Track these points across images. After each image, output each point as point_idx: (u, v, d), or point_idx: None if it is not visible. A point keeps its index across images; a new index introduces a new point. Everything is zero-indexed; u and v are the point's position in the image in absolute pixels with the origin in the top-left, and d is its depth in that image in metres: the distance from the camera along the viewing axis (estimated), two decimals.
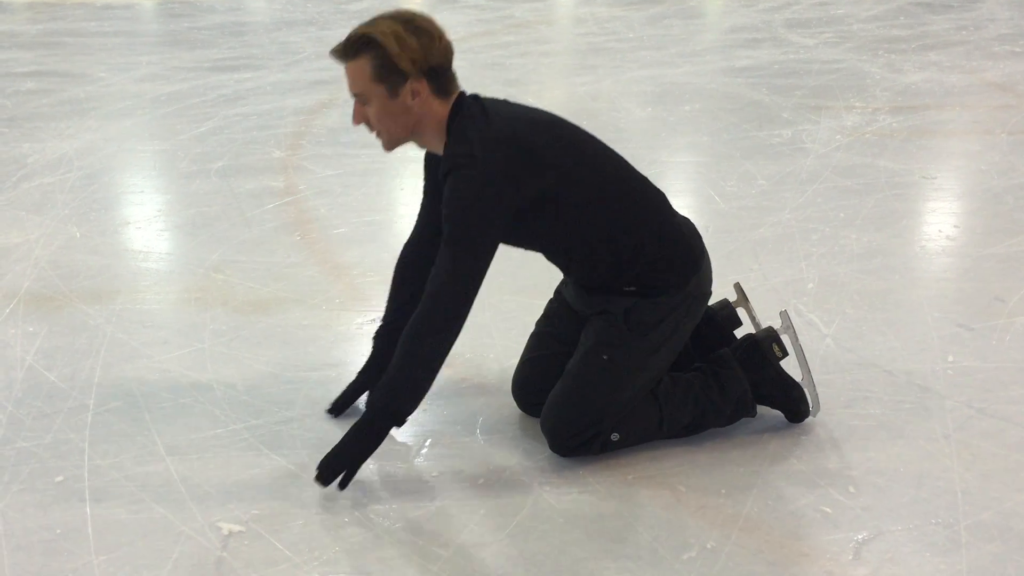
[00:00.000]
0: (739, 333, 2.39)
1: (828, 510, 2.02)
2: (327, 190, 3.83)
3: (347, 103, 4.87)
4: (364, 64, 1.99)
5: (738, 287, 2.41)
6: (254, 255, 3.25)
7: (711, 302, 2.39)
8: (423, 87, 2.01)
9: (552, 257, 2.23)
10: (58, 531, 1.96)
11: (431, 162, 2.23)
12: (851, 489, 2.08)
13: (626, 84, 5.45)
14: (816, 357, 2.60)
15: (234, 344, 2.69)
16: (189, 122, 4.72)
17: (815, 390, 2.30)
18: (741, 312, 2.40)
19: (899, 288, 3.01)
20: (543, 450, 2.22)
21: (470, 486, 2.09)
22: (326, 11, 7.67)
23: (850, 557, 1.89)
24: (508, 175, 1.98)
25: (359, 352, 2.66)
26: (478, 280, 1.99)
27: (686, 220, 2.23)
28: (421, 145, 2.12)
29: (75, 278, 3.09)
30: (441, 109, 2.04)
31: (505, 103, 2.12)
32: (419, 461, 2.19)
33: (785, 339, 2.30)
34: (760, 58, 6.03)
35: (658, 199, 2.19)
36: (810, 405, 2.31)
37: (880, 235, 3.38)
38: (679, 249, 2.17)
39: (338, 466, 2.03)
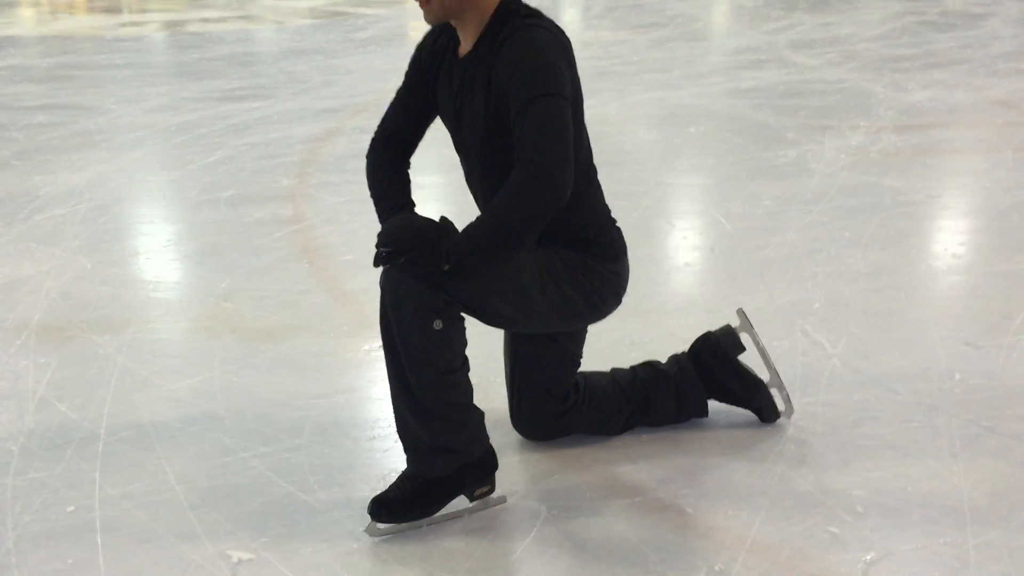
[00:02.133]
0: (743, 359, 2.40)
1: (835, 530, 2.02)
2: (334, 218, 3.86)
3: (353, 131, 4.88)
4: None
5: (741, 312, 2.42)
6: (263, 283, 3.28)
7: (714, 328, 2.41)
8: None
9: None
10: (69, 561, 1.98)
11: (428, 50, 2.13)
12: (858, 509, 2.08)
13: (631, 107, 5.49)
14: (822, 377, 2.61)
15: (243, 372, 2.71)
16: (198, 152, 4.76)
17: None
18: (746, 339, 2.41)
19: (905, 307, 3.01)
20: (549, 474, 2.23)
21: (478, 511, 2.10)
22: (333, 40, 7.74)
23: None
24: (565, 57, 1.95)
25: (367, 378, 2.69)
26: (571, 131, 1.86)
27: (619, 230, 2.23)
28: (458, 24, 2.02)
29: (86, 309, 3.12)
30: None
31: (552, 23, 2.04)
32: None
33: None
34: (764, 79, 6.06)
35: (600, 197, 2.19)
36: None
37: (886, 254, 3.39)
38: (616, 228, 2.20)
39: (391, 240, 1.84)
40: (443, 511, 2.08)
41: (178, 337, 2.96)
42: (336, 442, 2.37)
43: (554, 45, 1.91)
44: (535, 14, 1.99)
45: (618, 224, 2.22)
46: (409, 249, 1.83)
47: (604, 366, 2.42)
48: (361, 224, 3.75)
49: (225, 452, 2.34)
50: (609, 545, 2.00)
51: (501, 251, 1.86)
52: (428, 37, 2.16)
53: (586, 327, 2.28)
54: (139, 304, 3.18)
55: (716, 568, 1.92)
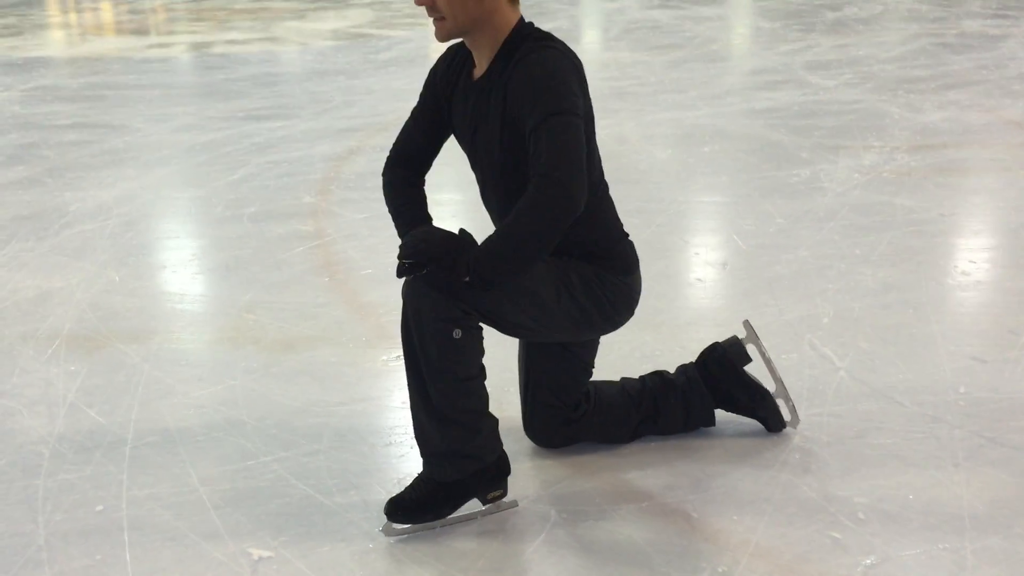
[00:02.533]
0: (750, 370, 2.46)
1: (837, 535, 2.07)
2: (354, 233, 3.96)
3: (374, 149, 4.98)
4: None
5: (747, 324, 2.49)
6: (284, 296, 3.37)
7: (722, 339, 2.48)
8: None
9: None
10: (98, 557, 2.06)
11: (442, 72, 2.21)
12: (860, 516, 2.14)
13: (648, 126, 5.57)
14: (829, 389, 2.67)
15: (265, 381, 2.80)
16: (223, 170, 4.88)
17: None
18: (752, 350, 2.47)
19: (913, 322, 3.06)
20: (560, 480, 2.30)
21: (490, 514, 2.17)
22: (355, 61, 7.88)
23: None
24: (577, 78, 2.02)
25: (384, 388, 2.77)
26: (584, 148, 1.92)
27: (632, 244, 2.30)
28: (472, 45, 2.10)
29: (114, 320, 3.22)
30: (509, 15, 2.05)
31: (565, 45, 2.11)
32: None
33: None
34: (780, 99, 6.13)
35: (613, 212, 2.26)
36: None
37: (895, 271, 3.44)
38: (628, 242, 2.27)
39: (412, 253, 1.93)
40: (456, 513, 2.15)
41: (202, 347, 3.06)
42: (354, 448, 2.45)
43: (566, 66, 1.99)
44: (548, 36, 2.07)
45: (630, 238, 2.29)
46: (430, 261, 1.91)
47: (615, 377, 2.49)
48: (380, 240, 3.84)
49: (247, 456, 2.42)
50: (616, 548, 2.06)
51: (519, 263, 1.93)
52: (443, 60, 2.25)
53: (599, 337, 2.35)
54: (165, 315, 3.28)
55: (719, 570, 1.98)
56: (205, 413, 2.63)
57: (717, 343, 2.47)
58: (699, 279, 3.53)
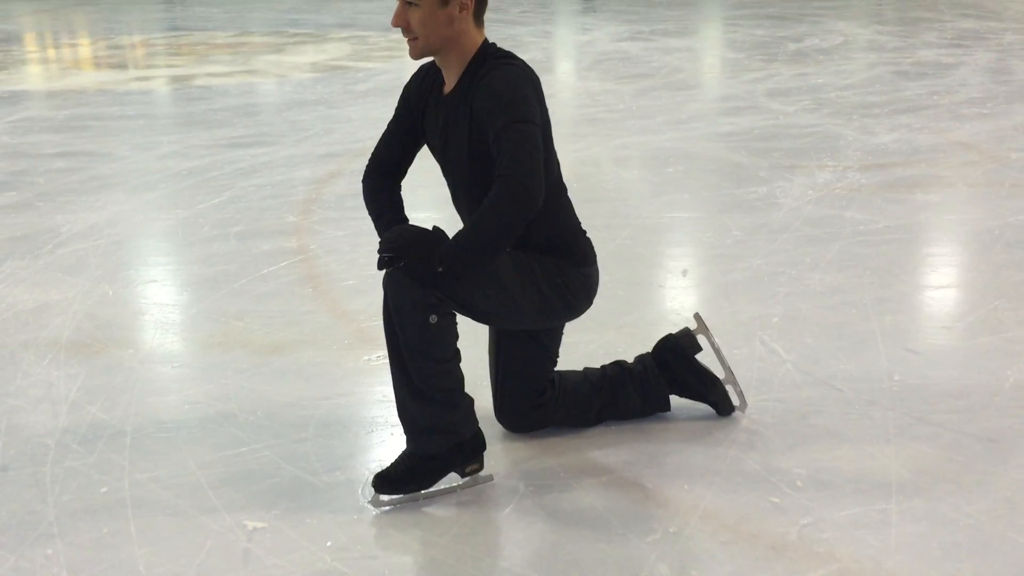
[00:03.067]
0: (701, 359, 2.69)
1: (777, 500, 2.30)
2: (336, 249, 4.18)
3: (353, 173, 5.24)
4: None
5: (698, 316, 2.73)
6: (271, 305, 3.58)
7: (675, 331, 2.72)
8: (471, 4, 2.25)
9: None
10: (105, 531, 2.26)
11: (416, 87, 2.44)
12: (799, 484, 2.37)
13: (616, 149, 5.84)
14: (775, 379, 2.90)
15: (254, 379, 3.00)
16: (208, 193, 5.09)
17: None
18: (703, 340, 2.71)
19: (855, 320, 3.31)
20: (528, 459, 2.51)
21: (468, 487, 2.38)
22: (334, 91, 8.13)
23: (793, 537, 2.17)
24: (536, 91, 2.26)
25: (365, 384, 2.98)
26: (540, 199, 2.12)
27: (589, 240, 2.52)
28: (441, 63, 2.33)
29: (109, 328, 3.42)
30: (475, 36, 2.28)
31: (524, 63, 2.35)
32: None
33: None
34: (741, 124, 6.42)
35: (572, 212, 2.49)
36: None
37: (841, 276, 3.69)
38: (585, 237, 2.49)
39: (391, 247, 2.15)
40: (437, 486, 2.36)
41: (194, 350, 3.26)
42: (338, 435, 2.66)
43: (524, 80, 2.24)
44: (509, 55, 2.32)
45: (588, 236, 2.53)
46: (407, 254, 2.14)
47: (587, 359, 2.71)
48: (360, 254, 4.06)
49: (239, 444, 2.62)
50: (578, 514, 2.28)
51: (486, 253, 2.16)
52: (415, 77, 2.49)
53: (562, 327, 2.58)
54: (158, 324, 3.48)
55: (671, 531, 2.20)
56: (199, 408, 2.83)
57: (671, 334, 2.70)
58: (660, 285, 3.77)
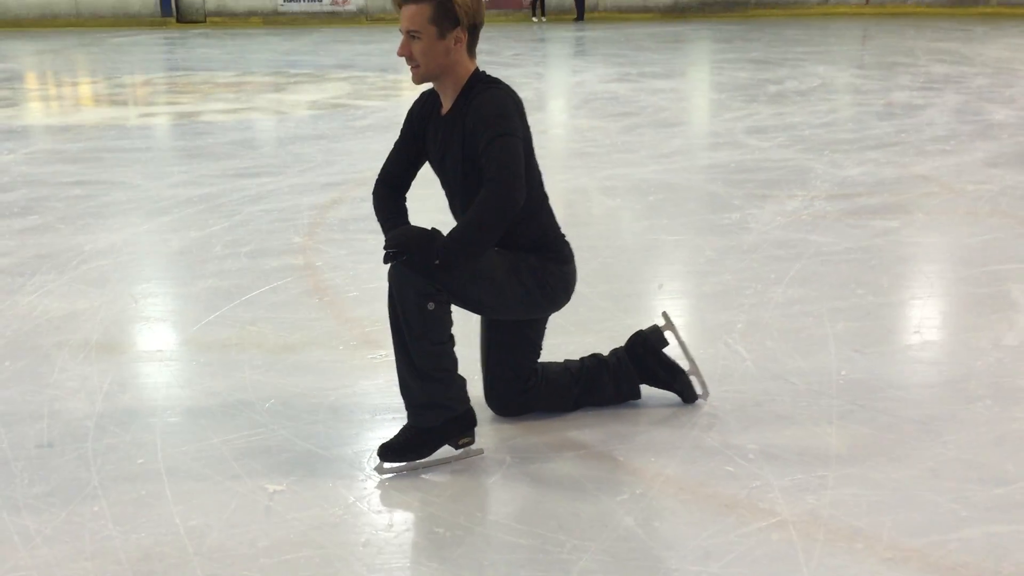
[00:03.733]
0: (669, 353, 3.04)
1: (731, 469, 2.64)
2: (339, 265, 4.53)
3: (354, 200, 5.66)
4: (426, 7, 2.56)
5: (665, 315, 3.08)
6: (281, 313, 3.92)
7: (644, 327, 3.07)
8: (464, 38, 2.62)
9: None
10: (143, 492, 2.58)
11: (418, 111, 2.80)
12: (750, 456, 2.71)
13: (601, 180, 6.22)
14: (736, 374, 3.25)
15: (269, 375, 3.34)
16: (220, 217, 5.45)
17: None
18: (670, 336, 3.06)
19: (811, 327, 3.66)
20: (514, 436, 2.85)
21: (461, 458, 2.72)
22: (335, 127, 8.53)
23: (743, 497, 2.51)
24: (518, 111, 2.63)
25: (369, 378, 3.32)
26: (521, 200, 2.49)
27: (568, 243, 2.87)
28: (439, 88, 2.70)
29: (134, 332, 3.75)
30: (468, 65, 2.65)
31: (511, 88, 2.72)
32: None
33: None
34: (719, 158, 6.83)
35: (552, 217, 2.84)
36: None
37: (801, 290, 4.06)
38: (564, 241, 2.85)
39: (395, 244, 2.50)
40: (433, 457, 2.69)
41: (213, 351, 3.59)
42: (345, 419, 2.99)
43: (508, 101, 2.62)
44: (496, 81, 2.70)
45: (566, 239, 2.88)
46: (408, 250, 2.50)
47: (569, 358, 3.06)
48: (362, 270, 4.41)
49: (258, 426, 2.95)
50: (557, 480, 2.61)
51: (476, 247, 2.52)
52: (417, 102, 2.87)
53: (545, 321, 2.92)
54: (179, 329, 3.81)
55: (637, 492, 2.54)
56: (220, 397, 3.16)
57: (641, 330, 3.06)
58: (636, 295, 4.13)
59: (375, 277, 4.33)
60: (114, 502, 2.54)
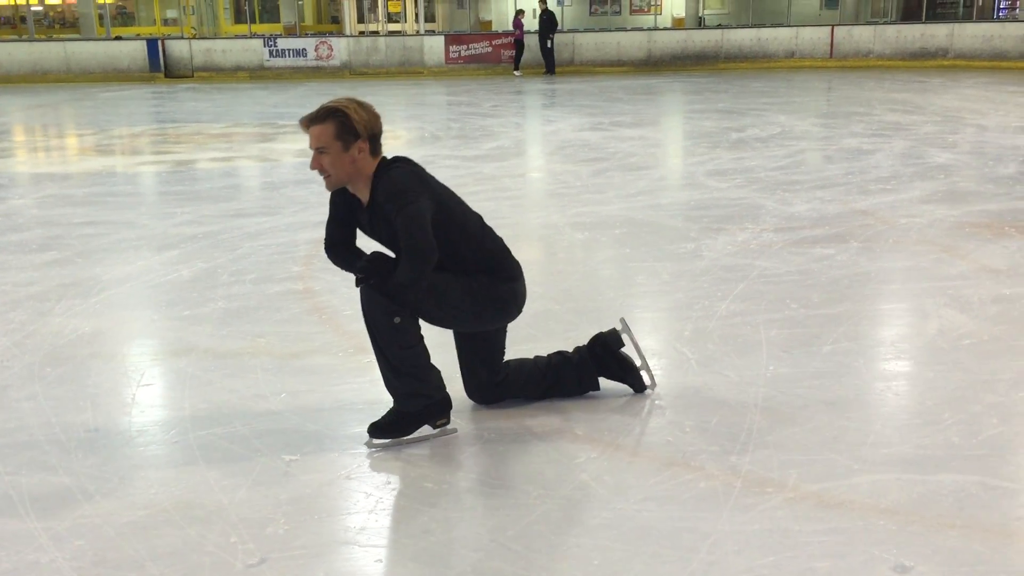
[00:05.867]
0: (624, 352, 3.59)
1: (670, 439, 3.19)
2: (335, 290, 5.07)
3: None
4: (329, 126, 2.99)
5: (623, 320, 3.64)
6: (286, 328, 4.46)
7: (605, 329, 3.63)
8: (366, 147, 3.06)
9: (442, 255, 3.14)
10: (180, 462, 3.10)
11: (340, 198, 3.22)
12: (687, 430, 3.25)
13: (570, 216, 6.81)
14: (680, 370, 3.81)
15: (279, 375, 3.86)
16: (223, 251, 5.99)
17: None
18: (625, 337, 3.61)
19: (748, 334, 4.23)
20: (491, 419, 3.39)
21: (438, 437, 3.25)
22: None
23: (678, 458, 3.05)
24: (417, 180, 3.10)
25: (366, 376, 3.84)
26: (433, 251, 3.00)
27: (516, 262, 3.33)
28: (352, 189, 3.13)
29: (158, 344, 4.28)
30: (372, 165, 3.08)
31: (409, 162, 3.18)
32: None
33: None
34: (680, 197, 7.45)
35: (497, 243, 3.31)
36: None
37: (743, 305, 4.63)
38: (509, 261, 3.31)
39: (363, 271, 3.05)
40: (415, 435, 3.22)
41: (229, 359, 4.11)
42: (346, 407, 3.52)
43: (405, 175, 3.08)
44: (393, 161, 3.14)
45: (514, 257, 3.36)
46: (373, 275, 3.06)
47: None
48: (355, 293, 4.91)
49: (272, 414, 3.48)
50: (525, 450, 3.15)
51: (411, 289, 3.03)
52: (337, 193, 3.23)
53: (505, 328, 3.44)
54: (197, 341, 4.33)
55: (592, 456, 3.08)
56: (238, 392, 3.69)
57: (601, 332, 3.60)
58: (597, 309, 4.69)
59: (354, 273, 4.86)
60: (156, 467, 3.06)
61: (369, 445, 3.18)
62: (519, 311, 3.40)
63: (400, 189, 3.05)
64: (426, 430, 3.25)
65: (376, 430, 3.18)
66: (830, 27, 23.94)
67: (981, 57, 22.11)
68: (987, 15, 27.14)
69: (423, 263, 3.02)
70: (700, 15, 29.84)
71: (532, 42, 23.00)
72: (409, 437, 3.22)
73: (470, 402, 3.51)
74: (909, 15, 27.97)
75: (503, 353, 3.48)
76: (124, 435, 3.32)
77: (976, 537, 2.63)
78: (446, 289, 3.17)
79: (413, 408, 3.19)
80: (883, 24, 24.76)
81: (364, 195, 3.18)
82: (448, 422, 3.26)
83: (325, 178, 3.11)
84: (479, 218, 3.36)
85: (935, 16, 26.04)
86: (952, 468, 2.98)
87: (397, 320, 3.07)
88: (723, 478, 2.93)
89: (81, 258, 5.90)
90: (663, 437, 3.22)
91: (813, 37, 23.65)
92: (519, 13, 23.41)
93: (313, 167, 3.11)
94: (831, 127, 11.85)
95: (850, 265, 5.36)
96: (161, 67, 23.20)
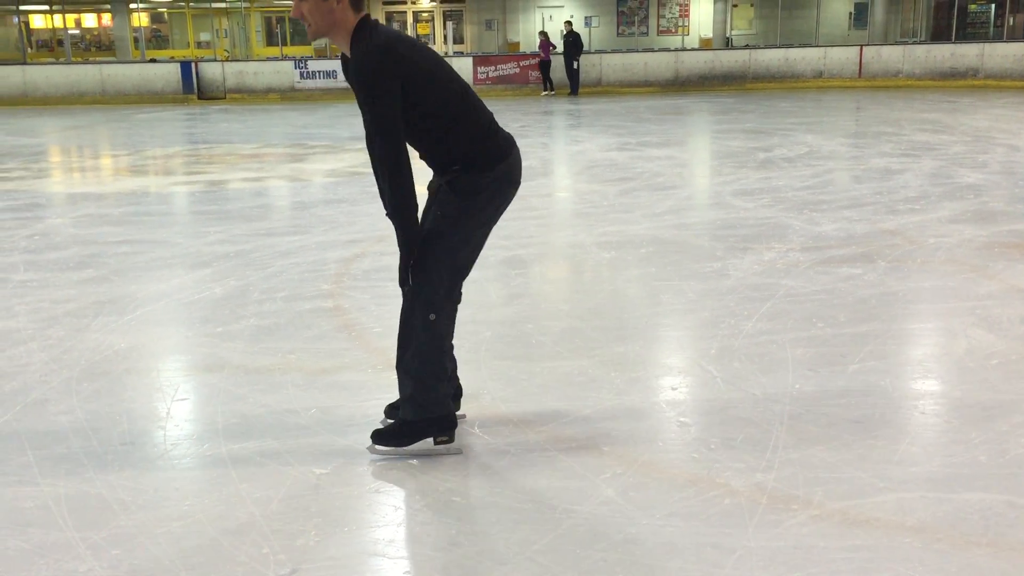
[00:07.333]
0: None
1: (696, 456, 3.22)
2: (364, 308, 5.14)
3: (375, 253, 6.36)
4: None
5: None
6: (316, 345, 4.53)
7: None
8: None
9: (418, 142, 3.10)
10: (214, 473, 3.17)
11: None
12: (712, 447, 3.28)
13: (597, 236, 6.86)
14: (707, 388, 3.83)
15: (310, 391, 3.93)
16: (255, 269, 6.09)
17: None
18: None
19: (773, 352, 4.25)
20: (515, 434, 3.43)
21: (440, 454, 3.30)
22: (354, 192, 9.23)
23: (704, 474, 3.08)
24: (389, 62, 2.92)
25: (393, 394, 3.88)
26: (397, 124, 2.92)
27: (507, 134, 3.24)
28: (333, 41, 3.02)
29: (191, 360, 4.36)
30: (352, 19, 2.96)
31: (389, 30, 3.02)
32: None
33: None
34: (707, 216, 7.47)
35: (485, 115, 3.17)
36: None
37: (769, 324, 4.65)
38: (490, 143, 3.17)
39: (401, 276, 3.11)
40: (416, 447, 3.27)
41: (261, 372, 4.19)
42: (374, 423, 3.57)
43: (378, 53, 2.89)
44: (370, 31, 2.95)
45: (499, 135, 3.21)
46: (405, 271, 3.11)
47: (564, 377, 3.64)
48: (384, 311, 5.02)
49: (303, 428, 3.54)
50: (551, 464, 3.19)
51: (403, 207, 3.05)
52: (342, 61, 3.15)
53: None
54: (230, 357, 4.41)
55: (617, 472, 3.11)
56: (270, 407, 3.75)
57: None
58: (622, 328, 4.72)
59: (396, 316, 4.93)
60: (190, 479, 3.13)
61: (372, 451, 3.25)
62: (515, 184, 3.27)
63: (369, 76, 2.92)
64: (428, 444, 3.29)
65: (378, 437, 3.26)
66: (859, 47, 23.90)
67: (1012, 77, 21.99)
68: (1018, 35, 26.97)
69: (394, 173, 2.96)
70: (728, 35, 29.88)
71: (558, 63, 23.15)
72: (409, 448, 3.27)
73: (498, 418, 3.55)
74: (938, 35, 27.86)
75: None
76: (159, 448, 3.39)
77: (1002, 556, 2.63)
78: (439, 232, 3.11)
79: (412, 416, 3.25)
80: (912, 44, 24.69)
81: (346, 49, 3.06)
82: (450, 441, 3.30)
83: (307, 27, 3.04)
84: (463, 93, 3.15)
85: (965, 36, 25.93)
86: (978, 487, 2.99)
87: (432, 317, 3.14)
88: (748, 495, 2.95)
89: (117, 276, 6.02)
90: (688, 453, 3.25)
91: (841, 57, 23.62)
92: (543, 35, 23.58)
93: (294, 15, 3.03)
94: (859, 147, 11.83)
95: (877, 284, 5.36)
96: (194, 89, 23.56)
